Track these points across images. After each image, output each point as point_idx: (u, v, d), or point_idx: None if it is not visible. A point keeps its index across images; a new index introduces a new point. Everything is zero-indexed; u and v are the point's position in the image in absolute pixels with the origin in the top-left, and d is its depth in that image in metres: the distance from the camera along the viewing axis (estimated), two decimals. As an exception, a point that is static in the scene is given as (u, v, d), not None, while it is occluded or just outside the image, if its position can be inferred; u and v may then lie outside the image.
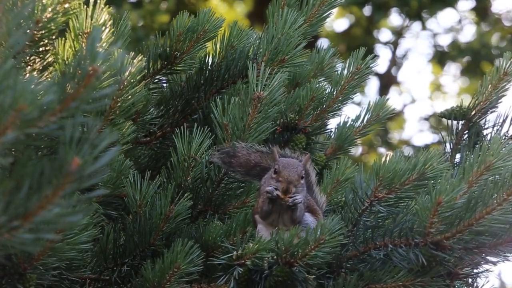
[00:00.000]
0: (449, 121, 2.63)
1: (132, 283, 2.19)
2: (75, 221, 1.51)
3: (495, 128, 2.59)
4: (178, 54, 2.67)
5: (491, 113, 2.62)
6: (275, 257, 2.02)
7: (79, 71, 1.60)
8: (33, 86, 1.51)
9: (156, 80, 2.71)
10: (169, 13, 8.98)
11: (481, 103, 2.60)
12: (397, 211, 2.17)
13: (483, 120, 2.62)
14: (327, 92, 2.66)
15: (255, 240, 2.05)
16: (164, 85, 2.74)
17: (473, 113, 2.61)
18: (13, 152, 1.59)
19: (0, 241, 1.48)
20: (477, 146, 2.50)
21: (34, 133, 1.54)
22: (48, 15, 2.13)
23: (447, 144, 2.61)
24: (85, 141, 1.45)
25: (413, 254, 2.06)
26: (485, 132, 2.61)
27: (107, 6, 2.15)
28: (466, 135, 2.62)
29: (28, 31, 1.88)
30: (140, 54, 2.33)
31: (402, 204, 2.20)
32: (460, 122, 2.63)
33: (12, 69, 1.49)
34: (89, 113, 1.82)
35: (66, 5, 2.15)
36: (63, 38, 2.27)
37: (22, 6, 1.88)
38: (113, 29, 2.15)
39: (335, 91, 2.65)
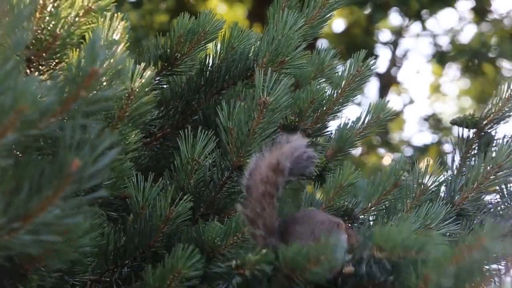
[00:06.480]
0: (460, 129, 2.61)
1: (132, 286, 2.19)
2: (75, 222, 1.51)
3: (505, 140, 2.54)
4: (179, 55, 2.66)
5: (504, 123, 2.59)
6: (274, 269, 1.96)
7: (80, 73, 1.60)
8: (34, 87, 1.50)
9: (156, 81, 2.70)
10: (169, 12, 9.00)
11: (494, 113, 2.58)
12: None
13: (494, 131, 2.60)
14: (327, 94, 2.65)
15: (256, 250, 2.01)
16: (164, 86, 2.74)
17: (485, 122, 2.59)
18: (13, 153, 1.59)
19: (0, 243, 1.47)
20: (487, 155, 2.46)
21: (34, 134, 1.54)
22: (67, 28, 2.11)
23: (457, 153, 2.57)
24: (85, 142, 1.45)
25: None
26: (495, 142, 2.58)
27: (124, 21, 2.11)
28: (476, 145, 2.59)
29: (27, 33, 1.87)
30: (140, 55, 2.30)
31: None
32: (472, 131, 2.61)
33: (13, 70, 1.49)
34: (96, 119, 1.80)
35: (83, 19, 2.14)
36: (77, 50, 2.25)
37: (20, 9, 1.88)
38: (128, 44, 2.11)
39: (336, 93, 2.65)
